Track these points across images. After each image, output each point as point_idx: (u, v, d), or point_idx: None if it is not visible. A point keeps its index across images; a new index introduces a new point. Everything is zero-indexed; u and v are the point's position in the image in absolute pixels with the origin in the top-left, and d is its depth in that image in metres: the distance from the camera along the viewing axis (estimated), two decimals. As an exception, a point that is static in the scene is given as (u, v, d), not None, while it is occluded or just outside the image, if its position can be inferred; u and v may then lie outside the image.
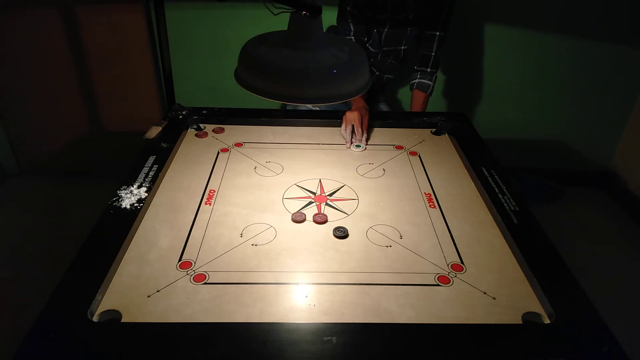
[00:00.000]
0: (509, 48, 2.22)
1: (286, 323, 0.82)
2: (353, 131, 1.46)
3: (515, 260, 0.99)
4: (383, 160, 1.37)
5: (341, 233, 1.05)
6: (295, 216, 1.10)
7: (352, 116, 1.46)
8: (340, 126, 1.50)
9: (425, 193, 1.22)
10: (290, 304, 0.87)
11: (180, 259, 0.97)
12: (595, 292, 1.01)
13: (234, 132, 1.49)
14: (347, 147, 1.43)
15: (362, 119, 1.46)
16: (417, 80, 1.76)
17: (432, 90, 1.76)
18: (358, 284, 0.92)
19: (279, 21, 0.92)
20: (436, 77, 1.77)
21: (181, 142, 1.41)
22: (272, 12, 0.86)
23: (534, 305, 0.88)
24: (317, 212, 1.13)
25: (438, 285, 0.92)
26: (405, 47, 1.72)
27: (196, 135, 1.46)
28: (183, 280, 0.91)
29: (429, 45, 1.71)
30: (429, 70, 1.74)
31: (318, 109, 1.74)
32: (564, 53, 2.22)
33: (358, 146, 1.43)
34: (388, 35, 1.68)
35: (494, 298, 0.90)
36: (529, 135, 2.48)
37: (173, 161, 1.32)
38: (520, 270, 0.97)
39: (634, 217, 2.34)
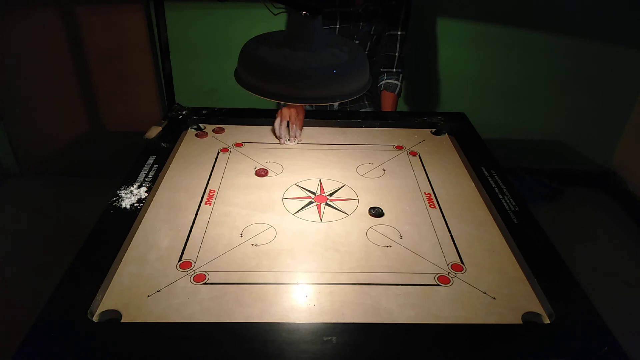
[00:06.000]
0: (509, 48, 2.22)
1: (286, 323, 0.82)
2: (288, 127, 1.46)
3: (515, 260, 0.99)
4: (383, 160, 1.37)
5: (376, 212, 1.11)
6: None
7: (287, 112, 1.45)
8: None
9: (425, 193, 1.22)
10: (290, 304, 0.87)
11: (180, 259, 0.96)
12: (596, 292, 1.02)
13: (234, 132, 1.49)
14: (280, 143, 1.44)
15: (297, 115, 1.46)
16: (384, 82, 1.75)
17: (400, 90, 1.76)
18: (358, 284, 0.92)
19: (279, 21, 0.92)
20: (403, 76, 1.76)
21: (181, 142, 1.41)
22: (272, 12, 0.86)
23: (534, 305, 0.88)
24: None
25: (438, 285, 0.92)
26: (357, 42, 1.70)
27: (196, 135, 1.46)
28: (183, 280, 0.91)
29: (392, 45, 1.72)
30: (394, 70, 1.74)
31: (313, 108, 1.74)
32: (564, 53, 2.22)
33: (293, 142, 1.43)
34: (341, 31, 1.67)
35: (494, 298, 0.90)
36: (529, 135, 2.48)
37: (173, 161, 1.32)
38: (520, 270, 0.97)
39: (634, 217, 2.34)
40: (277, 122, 1.45)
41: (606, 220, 2.36)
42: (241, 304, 0.86)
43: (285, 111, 1.45)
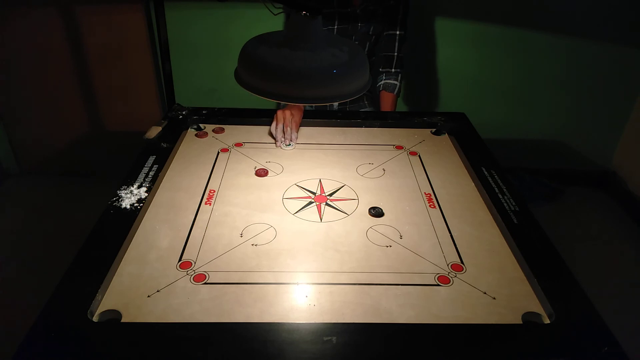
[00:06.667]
0: (509, 48, 2.22)
1: (286, 323, 0.82)
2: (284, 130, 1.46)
3: (515, 260, 0.99)
4: (383, 160, 1.37)
5: (376, 212, 1.11)
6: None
7: (282, 115, 1.44)
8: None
9: (425, 193, 1.22)
10: (290, 304, 0.87)
11: (180, 259, 0.97)
12: (596, 292, 1.01)
13: (234, 132, 1.49)
14: (276, 146, 1.42)
15: (292, 118, 1.45)
16: (383, 82, 1.75)
17: (399, 90, 1.75)
18: (358, 284, 0.92)
19: (279, 21, 0.92)
20: (402, 76, 1.76)
21: (181, 142, 1.41)
22: (272, 12, 0.86)
23: (534, 305, 0.88)
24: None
25: (438, 285, 0.92)
26: (357, 43, 1.70)
27: (196, 135, 1.46)
28: (183, 280, 0.91)
29: (391, 45, 1.72)
30: (393, 70, 1.74)
31: (313, 108, 1.74)
32: (564, 53, 2.22)
33: (288, 145, 1.42)
34: (339, 32, 1.67)
35: (494, 298, 0.90)
36: (529, 135, 2.48)
37: (173, 161, 1.32)
38: (520, 270, 0.97)
39: (634, 217, 2.34)
40: (272, 125, 1.45)
41: (606, 220, 2.36)
42: (241, 304, 0.86)
43: (279, 114, 1.44)
